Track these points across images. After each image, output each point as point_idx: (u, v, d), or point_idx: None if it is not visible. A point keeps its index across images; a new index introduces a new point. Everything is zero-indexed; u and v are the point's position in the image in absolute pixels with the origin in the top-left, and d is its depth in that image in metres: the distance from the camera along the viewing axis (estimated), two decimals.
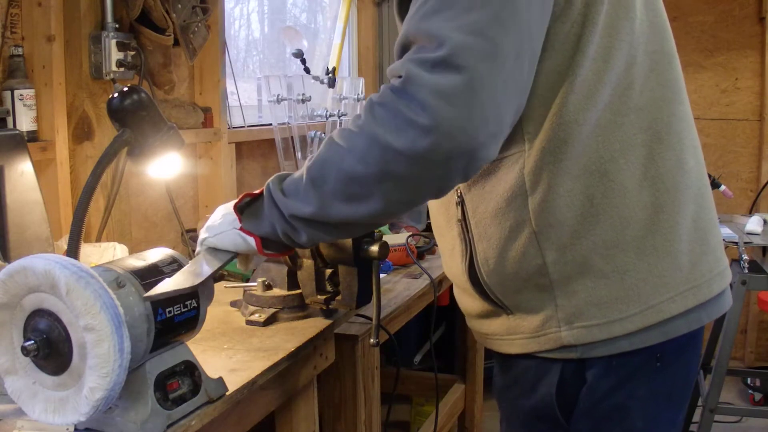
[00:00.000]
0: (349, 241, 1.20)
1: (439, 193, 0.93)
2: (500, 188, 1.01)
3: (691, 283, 1.00)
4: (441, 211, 1.13)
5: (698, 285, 1.01)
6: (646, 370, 1.02)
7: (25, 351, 0.82)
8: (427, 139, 0.83)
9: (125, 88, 1.13)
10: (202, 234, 1.09)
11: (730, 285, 1.09)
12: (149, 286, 0.90)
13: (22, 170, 1.49)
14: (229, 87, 2.46)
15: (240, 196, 1.07)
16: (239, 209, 1.06)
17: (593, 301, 0.99)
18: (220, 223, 1.06)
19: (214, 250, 1.06)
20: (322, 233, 0.98)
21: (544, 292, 1.02)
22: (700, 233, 1.02)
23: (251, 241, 1.03)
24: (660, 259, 0.99)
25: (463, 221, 1.08)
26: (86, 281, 0.80)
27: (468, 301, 1.15)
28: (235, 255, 1.07)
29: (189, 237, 2.02)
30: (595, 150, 0.97)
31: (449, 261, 1.15)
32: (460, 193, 1.07)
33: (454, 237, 1.10)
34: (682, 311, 1.00)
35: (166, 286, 0.92)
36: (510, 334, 1.09)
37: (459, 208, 1.08)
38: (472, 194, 1.05)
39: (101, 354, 0.79)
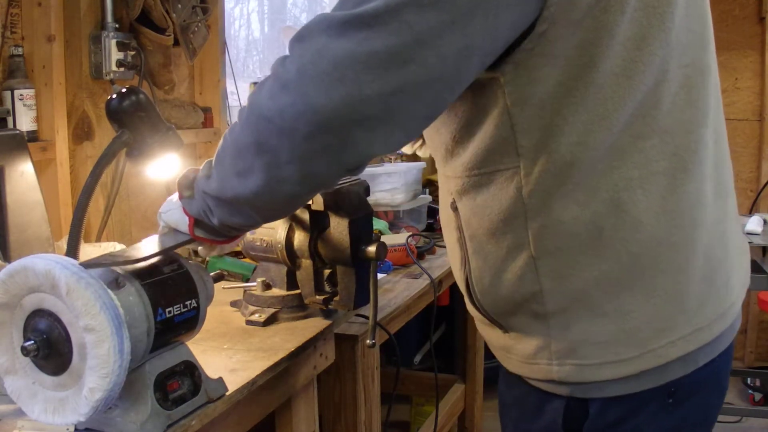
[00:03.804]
0: (346, 241, 1.20)
1: (321, 180, 0.85)
2: (495, 206, 0.93)
3: (694, 326, 0.92)
4: (444, 207, 1.07)
5: (701, 328, 0.92)
6: (654, 406, 0.93)
7: (25, 351, 0.82)
8: (288, 100, 0.77)
9: (124, 89, 1.13)
10: (161, 207, 1.03)
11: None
12: (149, 286, 0.90)
13: (23, 170, 1.49)
14: (229, 87, 2.46)
15: (184, 172, 1.00)
16: (186, 186, 0.98)
17: (589, 339, 0.92)
18: (176, 199, 1.00)
19: (174, 230, 1.02)
20: (227, 214, 0.91)
21: (538, 320, 0.95)
22: (709, 272, 0.94)
23: (187, 220, 0.97)
24: (667, 301, 0.90)
25: (459, 229, 1.01)
26: (87, 282, 0.80)
27: (469, 305, 1.09)
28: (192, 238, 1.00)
29: None
30: (609, 176, 0.87)
31: (451, 259, 1.09)
32: (453, 199, 1.00)
33: (454, 241, 1.04)
34: (681, 355, 0.91)
35: (108, 258, 0.90)
36: (506, 351, 1.04)
37: (455, 213, 1.01)
38: (464, 203, 0.98)
39: (101, 355, 0.80)
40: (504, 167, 0.90)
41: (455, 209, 1.00)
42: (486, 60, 0.83)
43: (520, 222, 0.91)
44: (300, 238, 1.28)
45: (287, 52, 0.82)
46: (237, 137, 0.85)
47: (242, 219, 0.91)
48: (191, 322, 0.96)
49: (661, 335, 0.91)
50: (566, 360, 0.94)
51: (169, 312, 0.91)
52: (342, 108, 0.76)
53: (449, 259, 1.12)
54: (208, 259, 1.65)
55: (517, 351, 1.00)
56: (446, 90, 0.82)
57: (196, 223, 0.97)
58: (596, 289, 0.91)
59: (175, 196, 1.01)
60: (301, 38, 0.80)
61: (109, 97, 1.13)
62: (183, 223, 0.98)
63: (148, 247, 0.98)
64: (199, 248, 1.06)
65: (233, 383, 1.06)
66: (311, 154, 0.80)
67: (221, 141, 0.90)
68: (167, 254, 0.97)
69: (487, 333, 1.08)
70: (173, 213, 1.00)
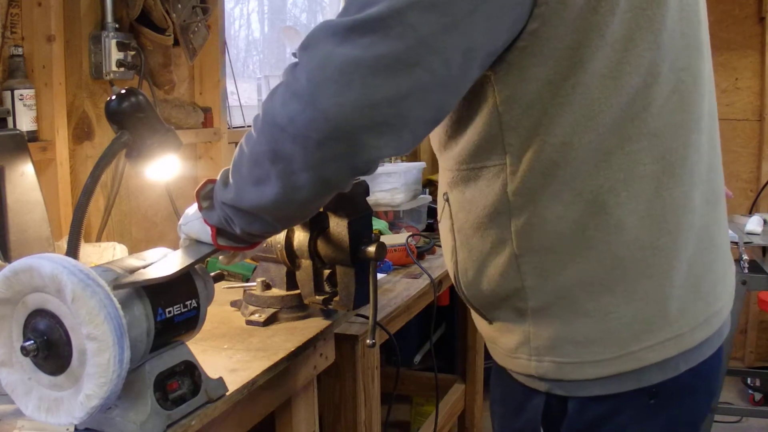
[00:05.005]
0: (346, 241, 1.20)
1: (334, 185, 0.86)
2: (481, 201, 0.94)
3: (675, 332, 0.91)
4: (439, 195, 1.07)
5: (682, 334, 0.92)
6: (635, 406, 0.93)
7: (24, 351, 0.82)
8: (299, 107, 0.78)
9: (123, 91, 1.14)
10: (181, 220, 1.05)
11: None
12: (149, 286, 0.90)
13: (23, 170, 1.49)
14: (229, 87, 2.46)
15: (202, 182, 1.01)
16: (204, 196, 0.99)
17: (569, 337, 0.92)
18: (194, 211, 1.01)
19: (196, 241, 1.03)
20: (246, 223, 0.92)
21: (520, 315, 0.96)
22: (693, 279, 0.93)
23: (209, 230, 0.98)
24: (648, 305, 0.90)
25: (450, 218, 1.01)
26: (93, 290, 0.79)
27: (459, 294, 1.09)
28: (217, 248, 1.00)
29: None
30: (594, 177, 0.87)
31: (444, 247, 1.09)
32: (446, 189, 1.01)
33: (446, 230, 1.04)
34: (659, 360, 0.91)
35: (138, 276, 0.90)
36: (492, 342, 1.05)
37: (447, 203, 1.01)
38: (454, 196, 0.99)
39: (101, 363, 0.79)
40: (491, 164, 0.91)
41: (447, 199, 1.02)
42: (488, 60, 0.84)
43: (504, 219, 0.92)
44: (299, 238, 1.28)
45: (286, 54, 0.83)
46: (253, 146, 0.86)
47: (262, 226, 0.92)
48: (191, 322, 0.96)
49: (640, 338, 0.91)
50: (545, 357, 0.94)
51: (169, 312, 0.91)
52: (351, 114, 0.77)
53: (442, 247, 1.12)
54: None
55: (501, 343, 1.02)
56: (452, 91, 0.83)
57: (218, 232, 0.98)
58: (578, 289, 0.91)
59: (194, 208, 1.02)
60: (306, 47, 0.80)
61: (108, 99, 1.13)
62: (205, 233, 0.99)
63: (167, 260, 0.97)
64: (220, 257, 1.07)
65: (233, 383, 1.06)
66: (323, 161, 0.81)
67: (237, 150, 0.91)
68: (194, 267, 0.97)
69: (478, 322, 1.09)
70: (194, 224, 1.01)
